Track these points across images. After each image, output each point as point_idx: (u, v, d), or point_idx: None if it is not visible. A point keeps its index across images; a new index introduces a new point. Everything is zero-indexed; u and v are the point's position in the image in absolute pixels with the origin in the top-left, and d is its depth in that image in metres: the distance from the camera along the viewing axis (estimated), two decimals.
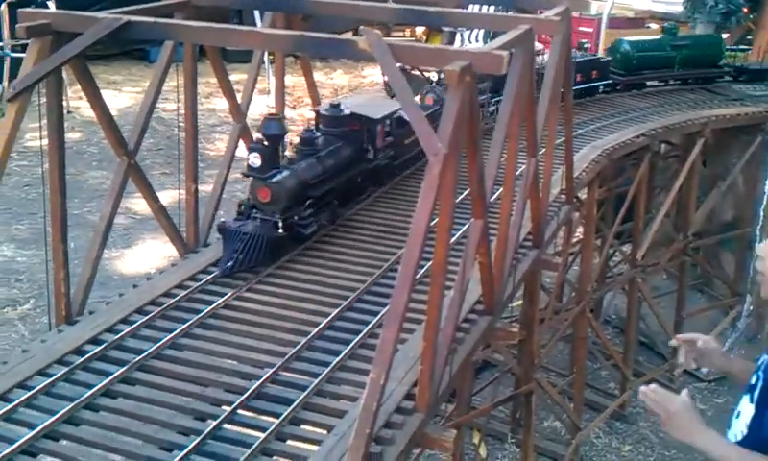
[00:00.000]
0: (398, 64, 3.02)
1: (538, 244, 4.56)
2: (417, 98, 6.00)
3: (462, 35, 9.58)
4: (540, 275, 5.23)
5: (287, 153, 4.37)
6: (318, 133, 4.56)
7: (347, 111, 4.77)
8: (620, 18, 14.01)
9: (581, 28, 11.19)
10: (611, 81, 8.31)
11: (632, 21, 14.47)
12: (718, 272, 9.28)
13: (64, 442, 2.80)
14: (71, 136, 8.28)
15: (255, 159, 4.10)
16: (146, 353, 3.27)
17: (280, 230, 4.09)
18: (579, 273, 7.20)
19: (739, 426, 2.28)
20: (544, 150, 4.69)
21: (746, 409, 2.26)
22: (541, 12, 4.47)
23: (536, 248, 4.55)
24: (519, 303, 5.92)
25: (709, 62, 9.10)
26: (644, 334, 8.71)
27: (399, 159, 5.44)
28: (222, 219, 4.18)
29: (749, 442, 2.22)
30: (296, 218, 4.18)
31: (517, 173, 4.07)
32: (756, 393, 2.21)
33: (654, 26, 14.42)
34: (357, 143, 4.85)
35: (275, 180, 4.10)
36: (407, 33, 14.66)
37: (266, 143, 4.12)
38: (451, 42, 9.43)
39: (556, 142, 4.85)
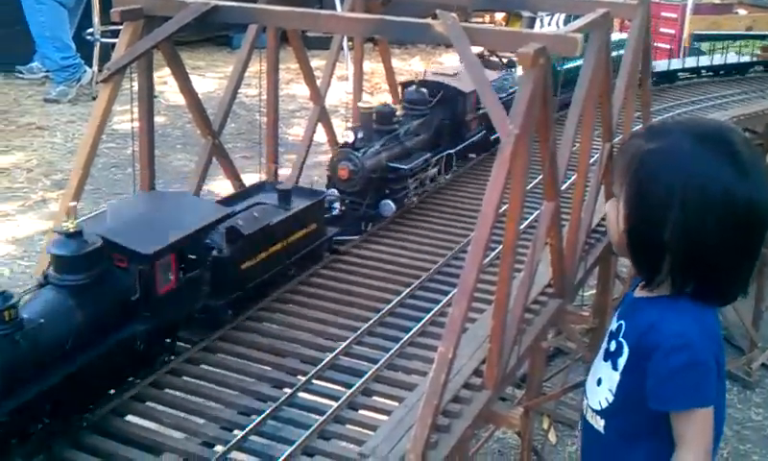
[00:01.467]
0: (475, 49, 3.07)
1: None
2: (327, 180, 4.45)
3: (542, 20, 9.50)
4: (614, 262, 5.19)
5: None
6: (28, 296, 2.61)
7: (95, 243, 2.68)
8: (707, 4, 13.58)
9: (663, 13, 10.92)
10: None
11: (719, 7, 14.01)
12: None
13: (149, 403, 2.98)
14: (157, 120, 8.50)
15: None
16: (228, 325, 3.43)
17: None
18: None
19: (603, 393, 2.38)
20: (621, 136, 4.67)
21: (609, 376, 2.36)
22: None
23: None
24: (593, 291, 5.89)
25: None
26: (722, 327, 8.49)
27: (226, 299, 3.34)
28: None
29: (615, 407, 2.35)
30: None
31: (592, 160, 4.08)
32: (622, 359, 2.31)
33: (742, 12, 13.96)
34: (117, 295, 2.79)
35: None
36: (486, 18, 14.58)
37: None
38: (531, 28, 9.39)
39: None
